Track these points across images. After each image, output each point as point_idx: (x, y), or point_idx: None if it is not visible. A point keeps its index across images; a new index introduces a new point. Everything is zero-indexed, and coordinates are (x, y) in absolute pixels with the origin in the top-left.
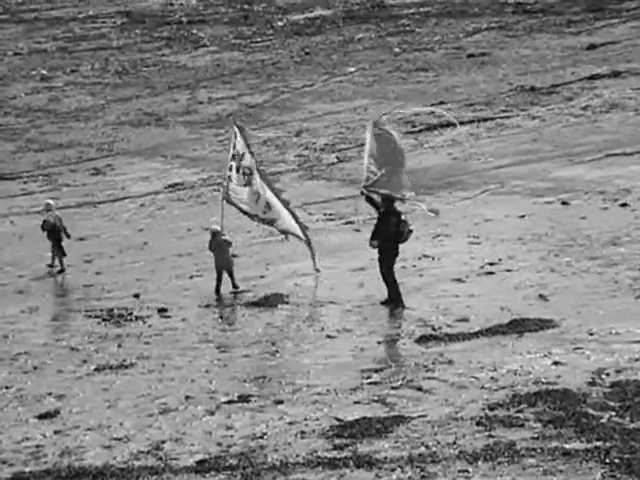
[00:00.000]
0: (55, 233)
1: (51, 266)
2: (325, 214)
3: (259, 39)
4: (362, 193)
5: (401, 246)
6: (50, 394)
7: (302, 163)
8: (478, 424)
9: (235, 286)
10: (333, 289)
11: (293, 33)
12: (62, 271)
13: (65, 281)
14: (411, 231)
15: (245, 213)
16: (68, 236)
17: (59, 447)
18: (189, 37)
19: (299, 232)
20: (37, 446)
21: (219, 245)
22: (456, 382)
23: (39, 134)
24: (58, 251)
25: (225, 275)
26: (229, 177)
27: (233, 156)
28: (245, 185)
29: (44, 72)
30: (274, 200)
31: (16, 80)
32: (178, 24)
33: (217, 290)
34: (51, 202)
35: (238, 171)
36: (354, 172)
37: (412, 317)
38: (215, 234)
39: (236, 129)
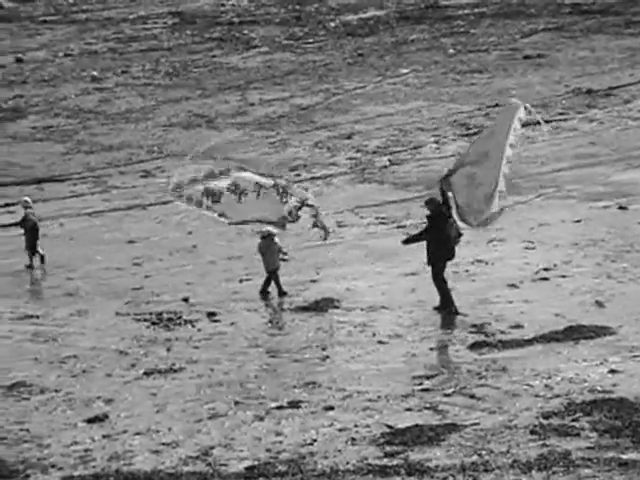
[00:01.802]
0: (33, 230)
1: (31, 267)
2: (377, 218)
3: (311, 40)
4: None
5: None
6: (99, 398)
7: (354, 166)
8: (532, 433)
9: (280, 287)
10: (385, 294)
11: (346, 34)
12: (31, 267)
13: (35, 276)
14: (461, 234)
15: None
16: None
17: (107, 451)
18: (240, 38)
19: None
20: (86, 450)
21: (268, 246)
22: (510, 390)
23: (89, 136)
24: (32, 248)
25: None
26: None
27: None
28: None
29: (95, 73)
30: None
31: (67, 81)
32: (229, 25)
33: (263, 292)
34: (29, 199)
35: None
36: (406, 175)
37: (465, 323)
38: (265, 236)
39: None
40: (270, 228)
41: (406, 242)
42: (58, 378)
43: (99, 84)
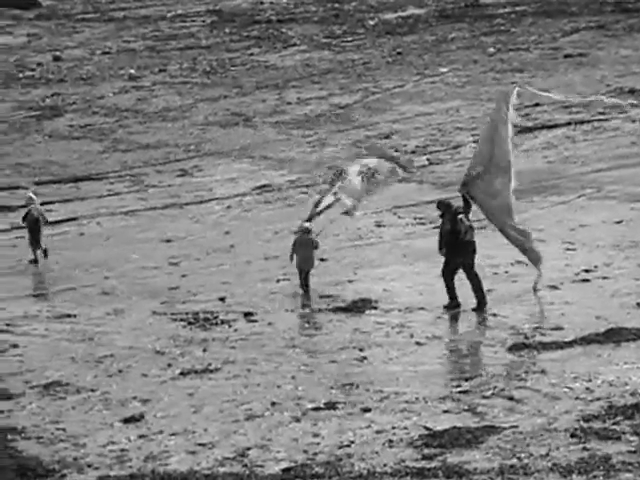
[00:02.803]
0: (36, 225)
1: (35, 261)
2: (415, 218)
3: (350, 38)
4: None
5: (494, 252)
6: (135, 398)
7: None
8: (572, 436)
9: (306, 285)
10: (423, 295)
11: (385, 32)
12: (35, 261)
13: (40, 268)
14: (471, 227)
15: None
16: (46, 222)
17: (144, 452)
18: (278, 36)
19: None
20: (122, 450)
21: (304, 243)
22: (549, 392)
23: (126, 134)
24: (36, 243)
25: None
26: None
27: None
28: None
29: (132, 71)
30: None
31: (104, 79)
32: (267, 23)
33: (303, 289)
34: (32, 195)
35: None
36: (446, 175)
37: (504, 324)
38: (304, 232)
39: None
40: (307, 224)
41: (440, 249)
42: (94, 378)
43: (136, 82)
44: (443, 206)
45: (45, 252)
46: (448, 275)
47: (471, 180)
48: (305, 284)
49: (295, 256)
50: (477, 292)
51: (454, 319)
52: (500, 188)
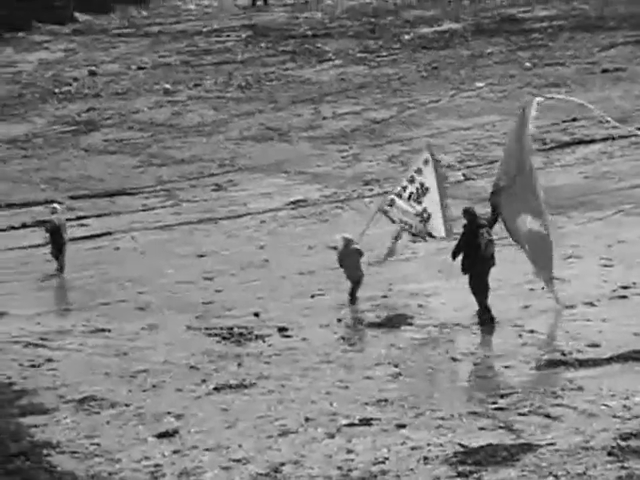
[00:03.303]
0: (59, 236)
1: (61, 270)
2: None
3: (385, 53)
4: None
5: (530, 268)
6: (169, 413)
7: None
8: (610, 454)
9: (352, 298)
10: (458, 310)
11: (420, 47)
12: (61, 269)
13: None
14: (491, 241)
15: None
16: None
17: (178, 467)
18: (314, 51)
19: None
20: (156, 465)
21: (349, 254)
22: (586, 410)
23: (161, 149)
24: (60, 252)
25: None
26: (392, 200)
27: (412, 180)
28: (412, 200)
29: (167, 86)
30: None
31: (140, 94)
32: (303, 38)
33: (352, 299)
34: (57, 206)
35: (409, 199)
36: (481, 190)
37: (540, 341)
38: (347, 243)
39: (429, 156)
40: (347, 235)
41: (453, 256)
42: (129, 392)
43: (172, 97)
44: (469, 215)
45: (62, 268)
46: (476, 288)
47: (498, 191)
48: (353, 294)
49: (344, 269)
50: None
51: (489, 333)
52: (525, 195)
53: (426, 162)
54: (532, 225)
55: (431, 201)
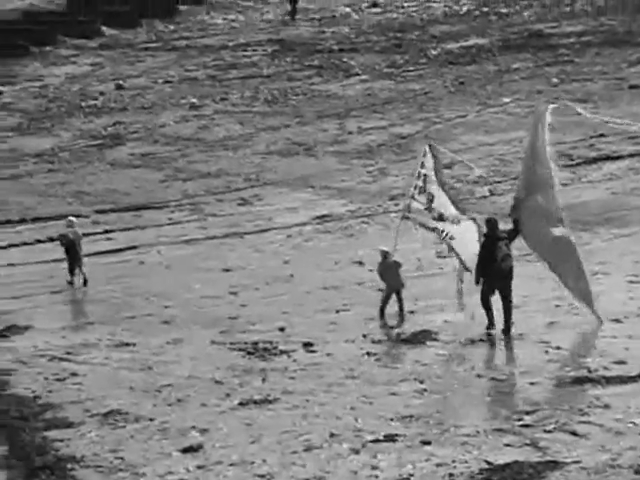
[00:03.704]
0: (73, 249)
1: (71, 283)
2: None
3: (411, 68)
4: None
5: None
6: (194, 428)
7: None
8: (637, 472)
9: (401, 309)
10: (484, 326)
11: (447, 62)
12: (85, 281)
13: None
14: (509, 255)
15: (429, 228)
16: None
17: None
18: (340, 65)
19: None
20: None
21: (388, 267)
22: (613, 427)
23: (187, 163)
24: (77, 264)
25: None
26: (412, 196)
27: (419, 175)
28: (425, 209)
29: (194, 100)
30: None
31: (166, 108)
32: (329, 52)
33: (381, 313)
34: (73, 219)
35: (422, 192)
36: (507, 206)
37: (567, 358)
38: (385, 256)
39: (427, 148)
40: (384, 248)
41: (477, 282)
42: (153, 407)
43: (198, 111)
44: (490, 225)
45: (85, 280)
46: (485, 299)
47: (518, 204)
48: (399, 303)
49: (384, 282)
50: (506, 317)
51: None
52: (546, 207)
53: (424, 154)
54: (557, 233)
55: (432, 185)
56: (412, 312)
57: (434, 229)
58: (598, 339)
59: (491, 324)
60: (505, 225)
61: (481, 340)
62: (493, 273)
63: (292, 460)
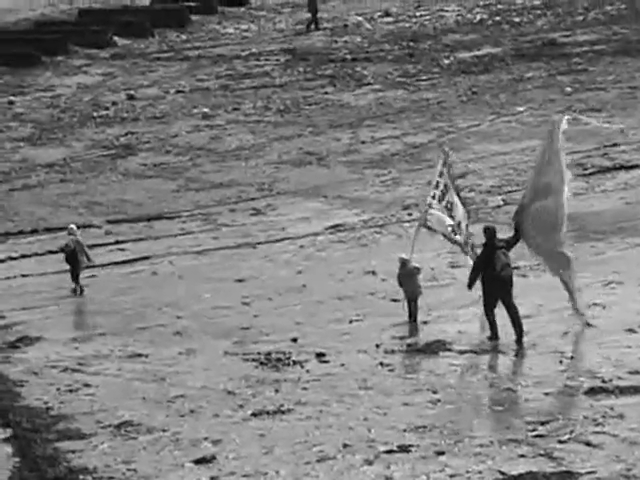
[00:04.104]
0: (74, 257)
1: (75, 291)
2: None
3: (424, 77)
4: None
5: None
6: (206, 439)
7: (467, 205)
8: None
9: (414, 318)
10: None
11: (460, 71)
12: (82, 291)
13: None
14: (509, 265)
15: (446, 237)
16: (89, 259)
17: None
18: (353, 75)
19: None
20: None
21: (408, 274)
22: (628, 437)
23: (199, 173)
24: (78, 272)
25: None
26: (430, 204)
27: (437, 184)
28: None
29: (206, 110)
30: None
31: (178, 118)
32: (342, 62)
33: (411, 318)
34: (74, 227)
35: (441, 200)
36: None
37: (581, 368)
38: (404, 263)
39: (442, 156)
40: (404, 255)
41: (470, 287)
42: (166, 418)
43: (210, 121)
44: (489, 233)
45: (81, 290)
46: (488, 310)
47: (521, 210)
48: (413, 313)
49: (403, 288)
50: (516, 326)
51: (495, 351)
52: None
53: (444, 163)
54: (556, 243)
55: (451, 193)
56: (425, 322)
57: (455, 241)
58: (612, 349)
59: (495, 335)
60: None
61: (495, 350)
62: (494, 283)
63: (305, 471)
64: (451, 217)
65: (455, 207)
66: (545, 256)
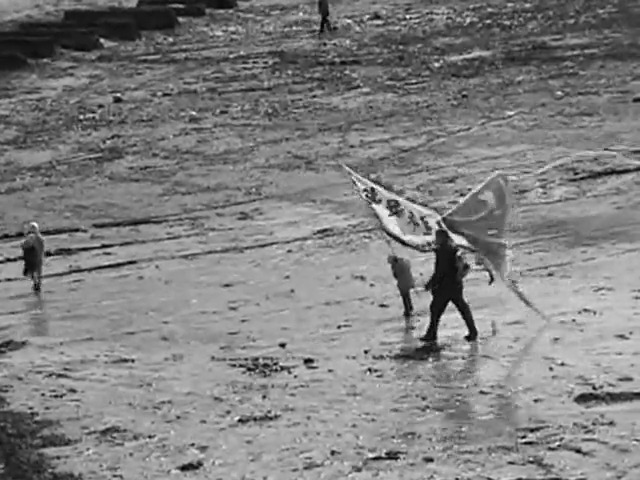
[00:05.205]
0: (32, 255)
1: (37, 289)
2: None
3: (414, 80)
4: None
5: (561, 300)
6: (193, 445)
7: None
8: None
9: (410, 308)
10: (487, 343)
11: (450, 75)
12: (37, 288)
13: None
14: (467, 266)
15: (398, 240)
16: (46, 253)
17: None
18: (342, 78)
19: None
20: None
21: (404, 267)
22: (618, 445)
23: (187, 176)
24: (37, 270)
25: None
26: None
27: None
28: (393, 215)
29: (193, 113)
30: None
31: (165, 121)
32: (331, 65)
33: (406, 314)
34: (35, 224)
35: (379, 202)
36: (511, 221)
37: (571, 374)
38: (395, 260)
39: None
40: (391, 254)
41: (433, 285)
42: (152, 424)
43: (197, 124)
44: (443, 237)
45: (37, 287)
46: (438, 310)
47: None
48: (409, 305)
49: (397, 282)
50: (468, 324)
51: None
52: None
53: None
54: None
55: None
56: (413, 328)
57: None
58: (603, 355)
59: (433, 335)
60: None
61: (484, 356)
62: (453, 286)
63: (293, 478)
64: (395, 214)
65: (401, 203)
66: (483, 249)
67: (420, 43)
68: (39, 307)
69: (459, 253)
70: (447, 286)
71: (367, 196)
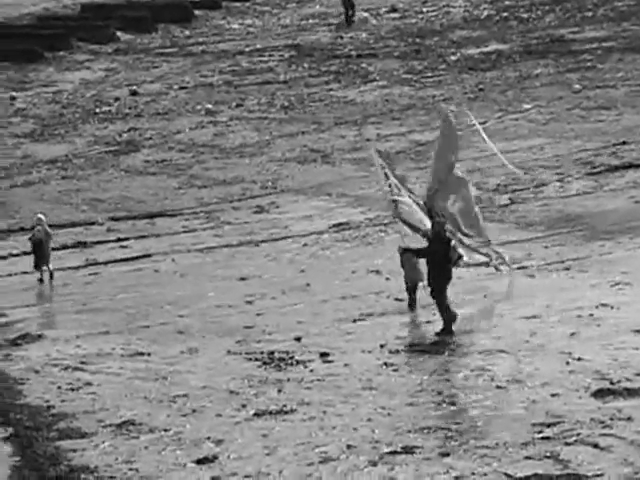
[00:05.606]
0: (41, 248)
1: (41, 280)
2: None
3: (431, 74)
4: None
5: (578, 294)
6: (209, 438)
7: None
8: None
9: (413, 300)
10: (504, 337)
11: (467, 68)
12: (42, 280)
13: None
14: (461, 257)
15: (415, 229)
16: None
17: None
18: (358, 71)
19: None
20: None
21: (408, 259)
22: (636, 440)
23: (203, 170)
24: (40, 264)
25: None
26: (394, 196)
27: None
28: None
29: (209, 106)
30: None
31: (181, 114)
32: (347, 58)
33: (410, 305)
34: (42, 217)
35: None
36: (528, 214)
37: (588, 369)
38: (405, 250)
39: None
40: (402, 245)
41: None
42: (168, 417)
43: (214, 117)
44: (440, 226)
45: (51, 274)
46: (443, 301)
47: (433, 194)
48: (414, 299)
49: (403, 273)
50: (443, 318)
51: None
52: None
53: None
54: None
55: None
56: (429, 322)
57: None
58: (620, 350)
59: (449, 330)
60: (528, 234)
61: (501, 350)
62: (441, 274)
63: (308, 472)
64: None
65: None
66: (462, 216)
67: (437, 36)
68: (51, 300)
69: (453, 243)
70: (440, 275)
71: (394, 185)
